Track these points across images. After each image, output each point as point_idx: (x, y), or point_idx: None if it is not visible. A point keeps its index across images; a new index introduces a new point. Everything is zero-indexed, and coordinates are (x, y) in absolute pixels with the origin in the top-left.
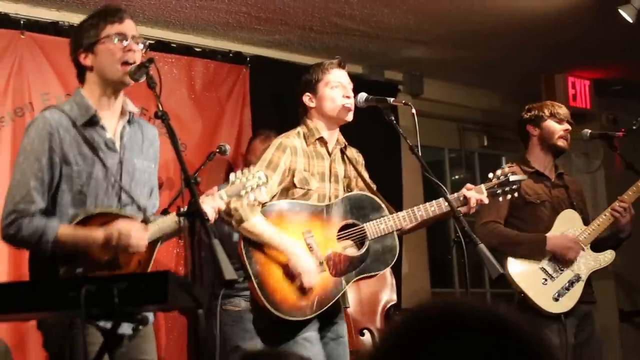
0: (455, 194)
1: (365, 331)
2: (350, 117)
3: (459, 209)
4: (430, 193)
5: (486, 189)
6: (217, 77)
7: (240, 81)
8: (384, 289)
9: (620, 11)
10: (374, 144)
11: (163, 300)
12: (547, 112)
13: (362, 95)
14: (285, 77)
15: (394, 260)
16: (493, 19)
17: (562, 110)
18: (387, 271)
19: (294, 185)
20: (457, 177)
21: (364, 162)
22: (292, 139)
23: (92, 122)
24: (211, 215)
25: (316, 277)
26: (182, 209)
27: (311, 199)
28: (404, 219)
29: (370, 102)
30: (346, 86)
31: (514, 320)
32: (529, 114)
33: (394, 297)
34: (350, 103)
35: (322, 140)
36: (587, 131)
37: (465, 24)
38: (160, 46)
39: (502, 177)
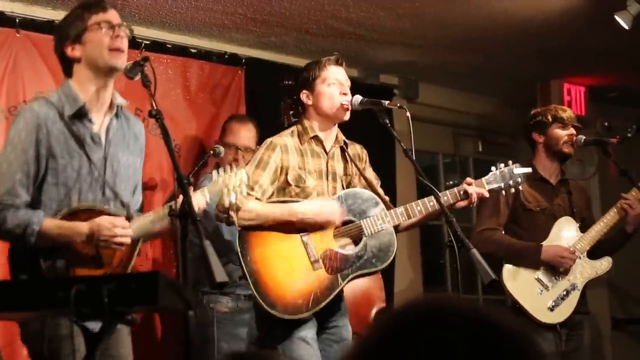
0: (455, 189)
1: (354, 336)
2: (347, 116)
3: (459, 202)
4: (424, 197)
5: (487, 183)
6: (212, 79)
7: (236, 83)
8: (376, 293)
9: (617, 17)
10: (368, 146)
11: (153, 301)
12: (550, 118)
13: (357, 98)
14: (280, 80)
15: (392, 257)
16: (489, 25)
17: (567, 114)
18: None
19: (289, 184)
20: (451, 182)
21: (367, 158)
22: (284, 137)
23: (80, 114)
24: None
25: (337, 207)
26: (173, 209)
27: (310, 197)
28: (402, 214)
29: (365, 105)
30: (343, 83)
31: (501, 319)
32: (533, 120)
33: (384, 301)
34: (347, 100)
35: (316, 138)
36: (582, 137)
37: (462, 29)
38: (156, 47)
39: (504, 170)
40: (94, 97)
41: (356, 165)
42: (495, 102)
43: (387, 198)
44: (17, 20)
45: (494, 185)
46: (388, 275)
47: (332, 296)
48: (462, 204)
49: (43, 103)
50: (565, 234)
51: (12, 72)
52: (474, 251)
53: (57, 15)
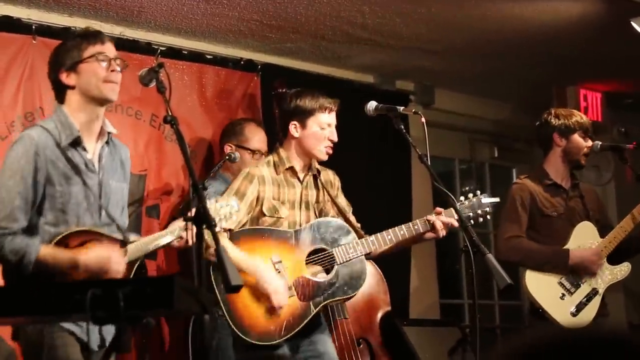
0: (425, 217)
1: (361, 341)
2: (326, 158)
3: (428, 233)
4: (440, 203)
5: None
6: (228, 85)
7: (251, 89)
8: (380, 297)
9: (633, 23)
10: (384, 153)
11: (169, 305)
12: (577, 125)
13: (372, 104)
14: (297, 86)
15: (363, 285)
16: (505, 30)
17: (588, 124)
18: (381, 277)
19: (263, 214)
20: (467, 188)
21: (340, 184)
22: (261, 167)
23: (75, 142)
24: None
25: (285, 297)
26: (188, 215)
27: (282, 226)
28: (373, 243)
29: (380, 111)
30: (334, 129)
31: None
32: (557, 121)
33: (389, 305)
34: (331, 146)
35: (292, 169)
36: (598, 143)
37: (478, 34)
38: (172, 53)
39: (473, 200)
40: (86, 125)
41: (328, 192)
42: (511, 108)
43: (358, 225)
44: (34, 27)
45: (465, 215)
46: (403, 280)
47: (304, 323)
48: (430, 235)
49: (40, 131)
50: (585, 239)
51: (28, 79)
52: (490, 256)
53: (73, 22)
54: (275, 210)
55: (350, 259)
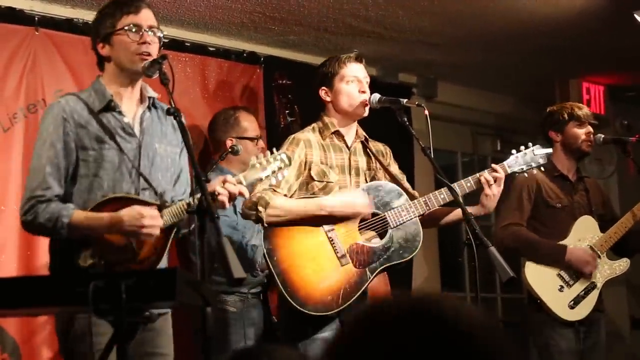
0: (476, 175)
1: None
2: (366, 112)
3: (486, 190)
4: None
5: (509, 166)
6: (230, 77)
7: (254, 81)
8: (381, 288)
9: (636, 16)
10: (386, 145)
11: (171, 297)
12: (567, 116)
13: (376, 96)
14: (299, 78)
15: (419, 247)
16: (508, 23)
17: (583, 112)
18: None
19: (312, 179)
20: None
21: (391, 154)
22: (306, 133)
23: (109, 107)
24: (225, 200)
25: (366, 202)
26: (192, 206)
27: (332, 192)
28: (426, 203)
29: (384, 103)
30: (362, 80)
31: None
32: (550, 118)
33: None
34: (366, 98)
35: (338, 133)
36: (601, 136)
37: (480, 27)
38: (174, 45)
39: (526, 152)
40: (124, 92)
41: (379, 161)
42: (514, 101)
43: (415, 193)
44: (36, 19)
45: (516, 168)
46: (406, 274)
47: (361, 290)
48: (483, 199)
49: (71, 97)
50: (585, 233)
51: (31, 70)
52: (493, 249)
53: (76, 13)
54: (324, 174)
55: (404, 222)
